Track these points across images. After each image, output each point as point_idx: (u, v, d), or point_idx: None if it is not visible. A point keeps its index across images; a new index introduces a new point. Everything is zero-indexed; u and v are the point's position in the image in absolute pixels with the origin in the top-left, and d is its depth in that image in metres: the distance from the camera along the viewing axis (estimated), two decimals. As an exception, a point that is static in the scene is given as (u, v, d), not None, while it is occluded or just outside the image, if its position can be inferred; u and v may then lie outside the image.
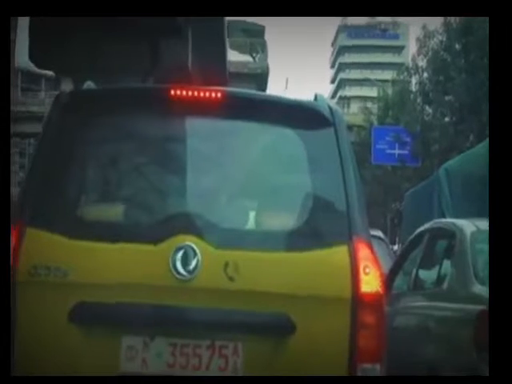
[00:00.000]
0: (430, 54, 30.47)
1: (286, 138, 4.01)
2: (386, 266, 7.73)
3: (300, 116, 3.98)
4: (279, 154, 4.05)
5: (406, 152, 35.08)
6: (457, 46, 28.57)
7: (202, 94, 3.94)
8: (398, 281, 7.42)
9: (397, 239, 26.02)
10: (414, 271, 6.93)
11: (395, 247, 17.72)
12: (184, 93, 3.93)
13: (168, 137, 4.04)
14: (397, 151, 36.40)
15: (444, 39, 29.50)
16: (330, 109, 4.03)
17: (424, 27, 30.44)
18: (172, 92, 3.93)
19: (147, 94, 4.17)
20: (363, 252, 3.71)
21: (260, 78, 37.15)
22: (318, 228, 3.78)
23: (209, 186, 3.86)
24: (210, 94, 3.94)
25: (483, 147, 12.26)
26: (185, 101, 3.93)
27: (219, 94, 3.95)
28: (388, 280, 7.27)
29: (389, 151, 37.05)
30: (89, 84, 4.22)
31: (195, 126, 4.04)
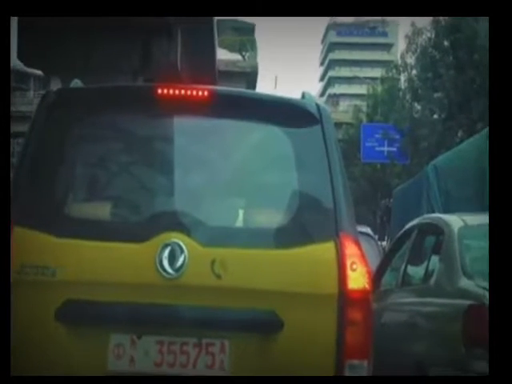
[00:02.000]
0: (418, 51, 30.44)
1: (274, 136, 4.02)
2: (375, 262, 7.76)
3: (287, 114, 3.99)
4: (266, 151, 4.06)
5: (395, 149, 35.14)
6: (445, 43, 28.57)
7: (188, 93, 3.95)
8: (387, 277, 7.44)
9: (386, 236, 26.04)
10: (403, 267, 6.94)
11: (384, 244, 17.72)
12: (171, 91, 3.94)
13: (155, 135, 4.05)
14: (386, 148, 36.50)
15: (432, 36, 29.49)
16: (318, 106, 4.05)
17: (413, 24, 30.44)
18: (159, 91, 3.94)
19: (134, 93, 4.18)
20: (350, 248, 3.73)
21: (250, 77, 37.17)
22: (304, 225, 3.79)
23: (196, 184, 3.87)
24: (197, 93, 3.96)
25: (471, 143, 12.32)
26: (172, 99, 3.94)
27: (206, 93, 3.97)
28: (376, 276, 7.30)
29: (378, 149, 37.16)
30: (76, 82, 4.22)
31: (182, 124, 4.05)
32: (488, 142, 10.61)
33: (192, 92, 3.95)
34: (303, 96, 4.20)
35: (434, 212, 11.11)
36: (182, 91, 3.95)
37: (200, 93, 3.96)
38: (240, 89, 4.88)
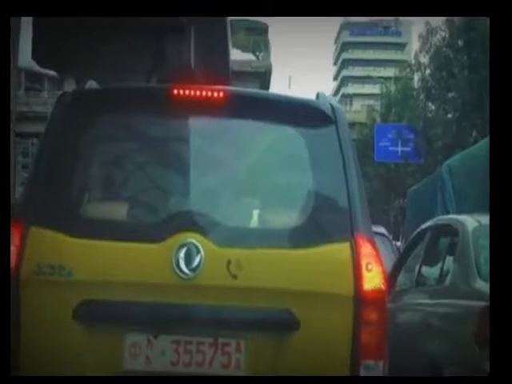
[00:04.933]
0: (432, 50, 30.42)
1: (289, 137, 4.03)
2: (390, 262, 7.75)
3: (302, 114, 4.00)
4: (281, 152, 4.07)
5: (408, 149, 35.09)
6: (459, 43, 28.55)
7: (204, 94, 3.96)
8: (401, 277, 7.44)
9: (400, 236, 25.99)
10: (417, 268, 6.94)
11: (398, 244, 17.69)
12: (186, 92, 3.96)
13: (170, 136, 4.06)
14: (400, 148, 36.43)
15: (446, 36, 29.47)
16: (332, 107, 4.06)
17: (427, 24, 30.41)
18: (174, 91, 3.96)
19: (150, 94, 4.20)
20: (365, 249, 3.73)
21: (263, 77, 37.16)
22: (320, 225, 3.80)
23: (211, 185, 3.88)
24: (212, 93, 3.97)
25: (485, 143, 12.27)
26: (187, 100, 3.96)
27: (221, 93, 3.98)
28: (391, 277, 7.29)
29: (391, 148, 37.09)
30: (91, 83, 4.24)
31: (198, 125, 4.07)
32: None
33: (207, 93, 3.96)
34: (317, 96, 4.21)
35: (448, 212, 11.10)
36: (198, 92, 3.96)
37: (215, 93, 3.97)
38: (254, 89, 4.89)
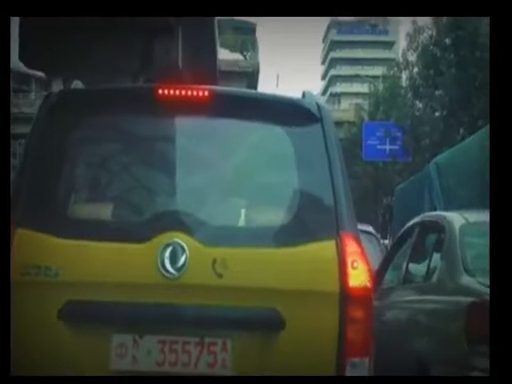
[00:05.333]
0: (419, 48, 30.41)
1: (274, 135, 4.04)
2: (377, 261, 7.77)
3: (288, 113, 4.01)
4: (267, 151, 4.08)
5: (396, 147, 35.11)
6: (446, 41, 28.55)
7: (189, 93, 3.97)
8: (389, 275, 7.46)
9: (388, 234, 26.05)
10: (405, 265, 6.96)
11: (386, 242, 17.73)
12: (171, 92, 3.96)
13: (156, 136, 4.07)
14: (388, 147, 36.46)
15: (434, 34, 29.48)
16: (318, 105, 4.07)
17: (414, 22, 30.42)
18: (160, 91, 3.96)
19: (135, 94, 4.21)
20: (351, 247, 3.74)
21: (251, 76, 37.13)
22: (305, 223, 3.81)
23: (197, 184, 3.89)
24: (198, 93, 3.98)
25: (472, 141, 12.33)
26: (172, 100, 3.96)
27: (206, 93, 3.99)
28: (379, 274, 7.31)
29: (380, 147, 37.11)
30: (77, 83, 4.24)
31: (183, 124, 4.07)
32: (489, 139, 10.67)
33: (192, 92, 3.97)
34: (304, 95, 4.22)
35: (435, 209, 11.13)
36: (183, 91, 3.97)
37: (200, 93, 3.98)
38: (240, 88, 4.90)
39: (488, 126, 11.50)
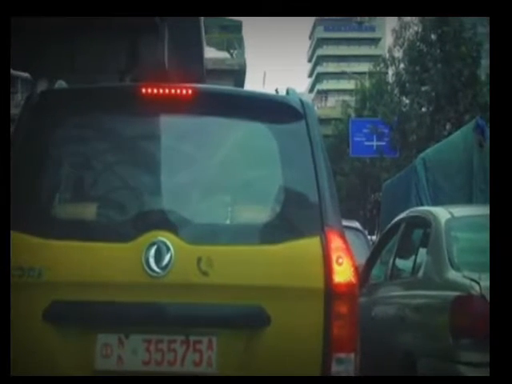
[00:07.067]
0: (405, 45, 30.47)
1: (258, 133, 4.04)
2: (364, 257, 7.79)
3: (272, 110, 4.01)
4: (251, 148, 4.08)
5: (383, 143, 35.13)
6: (432, 37, 28.62)
7: (172, 92, 3.97)
8: (376, 270, 7.48)
9: (376, 230, 26.09)
10: (391, 260, 6.98)
11: (374, 238, 17.76)
12: (155, 90, 3.96)
13: (140, 135, 4.06)
14: (375, 143, 36.50)
15: (420, 30, 29.53)
16: (302, 102, 4.07)
17: (400, 18, 30.47)
18: (143, 90, 3.96)
19: (118, 93, 4.20)
20: (336, 243, 3.75)
21: (238, 75, 37.11)
22: (290, 220, 3.81)
23: (181, 182, 3.88)
24: (181, 91, 3.97)
25: (458, 135, 12.35)
26: (156, 98, 3.96)
27: (190, 91, 3.99)
28: (366, 270, 7.34)
29: (367, 143, 37.16)
30: (60, 83, 4.23)
31: (167, 123, 4.07)
32: (474, 133, 10.72)
33: (176, 91, 3.97)
34: (287, 92, 4.23)
35: (422, 204, 11.15)
36: (166, 90, 3.97)
37: (184, 91, 3.98)
38: (224, 86, 4.90)
39: (473, 120, 11.57)
